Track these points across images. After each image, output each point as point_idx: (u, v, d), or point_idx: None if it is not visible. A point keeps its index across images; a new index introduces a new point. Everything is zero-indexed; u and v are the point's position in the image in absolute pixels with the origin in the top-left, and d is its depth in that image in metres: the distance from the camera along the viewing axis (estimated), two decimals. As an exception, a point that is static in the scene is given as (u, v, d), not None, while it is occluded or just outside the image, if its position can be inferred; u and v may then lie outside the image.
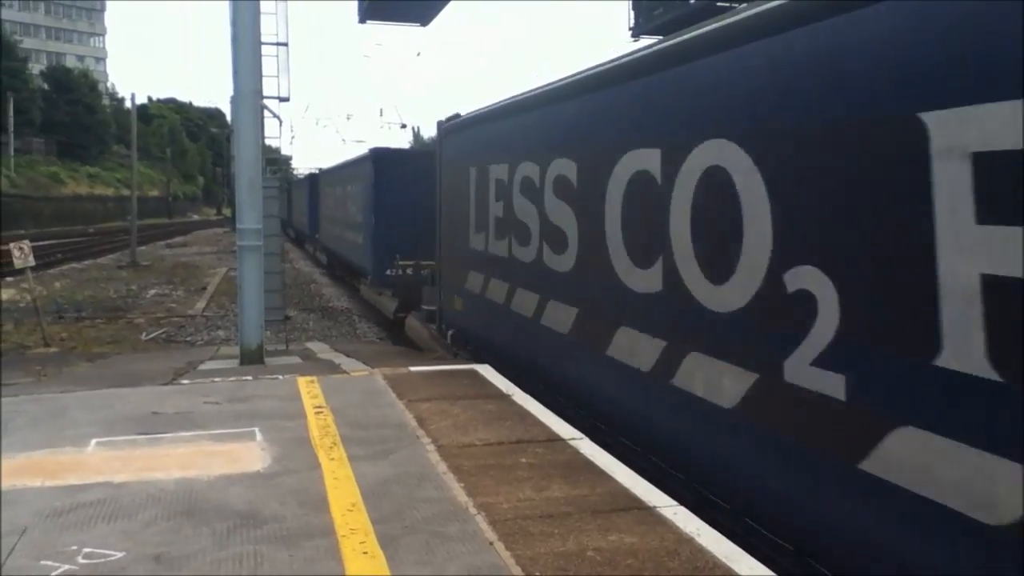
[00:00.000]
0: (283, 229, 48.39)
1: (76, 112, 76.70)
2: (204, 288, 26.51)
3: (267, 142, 13.26)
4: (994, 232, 3.46)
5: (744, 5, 5.37)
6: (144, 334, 17.60)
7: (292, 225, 52.37)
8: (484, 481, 5.53)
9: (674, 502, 5.14)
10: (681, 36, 6.13)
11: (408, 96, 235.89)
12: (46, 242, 38.57)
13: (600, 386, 7.27)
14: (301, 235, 47.08)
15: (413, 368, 9.69)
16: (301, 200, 43.74)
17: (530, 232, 8.92)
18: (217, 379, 9.60)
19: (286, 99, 13.01)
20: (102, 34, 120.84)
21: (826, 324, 4.40)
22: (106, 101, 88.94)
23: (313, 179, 35.97)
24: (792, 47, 4.77)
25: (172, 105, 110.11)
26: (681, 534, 4.63)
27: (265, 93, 12.34)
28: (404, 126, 46.85)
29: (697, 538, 4.57)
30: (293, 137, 67.47)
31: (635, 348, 6.53)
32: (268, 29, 12.37)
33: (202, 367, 11.81)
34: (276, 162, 17.27)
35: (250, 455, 6.20)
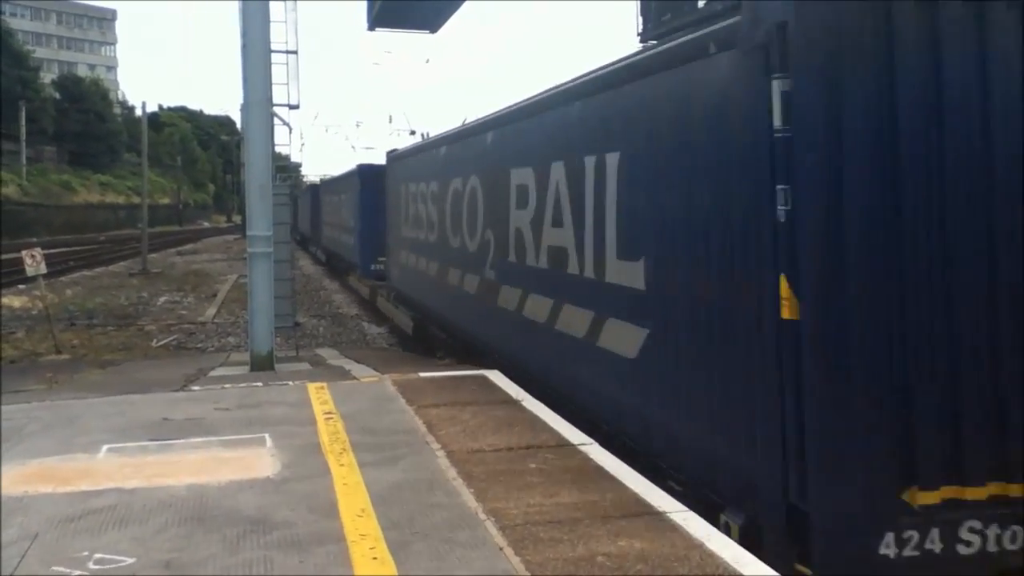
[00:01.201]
0: (306, 248, 44.97)
1: (87, 121, 77.26)
2: (215, 295, 26.63)
3: (277, 149, 13.35)
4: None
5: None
6: (155, 341, 17.69)
7: (321, 243, 40.19)
8: (494, 487, 5.53)
9: (684, 507, 5.13)
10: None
11: (416, 102, 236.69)
12: (58, 250, 38.82)
13: None
14: (337, 260, 33.05)
15: (423, 374, 9.70)
16: (338, 209, 30.92)
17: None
18: (227, 385, 9.63)
19: (296, 107, 13.09)
20: (113, 43, 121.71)
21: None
22: (117, 110, 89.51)
23: (371, 175, 23.16)
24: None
25: (183, 113, 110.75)
26: (691, 539, 4.62)
27: (275, 101, 12.43)
28: (413, 132, 46.86)
29: (707, 543, 4.56)
30: (303, 144, 67.90)
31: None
32: (278, 37, 12.47)
33: (212, 373, 11.87)
34: (286, 169, 16.34)
35: (260, 461, 6.21)
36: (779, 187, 5.03)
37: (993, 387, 4.97)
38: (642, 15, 21.32)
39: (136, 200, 64.37)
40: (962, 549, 4.90)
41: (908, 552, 4.87)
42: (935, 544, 4.89)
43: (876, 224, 4.95)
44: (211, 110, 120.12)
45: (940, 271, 4.97)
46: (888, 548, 4.85)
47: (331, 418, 7.48)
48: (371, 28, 19.55)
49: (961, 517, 4.90)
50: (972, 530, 4.91)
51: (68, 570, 4.33)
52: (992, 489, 4.93)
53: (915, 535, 4.88)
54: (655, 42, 7.80)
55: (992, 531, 4.93)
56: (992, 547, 4.92)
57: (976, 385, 4.96)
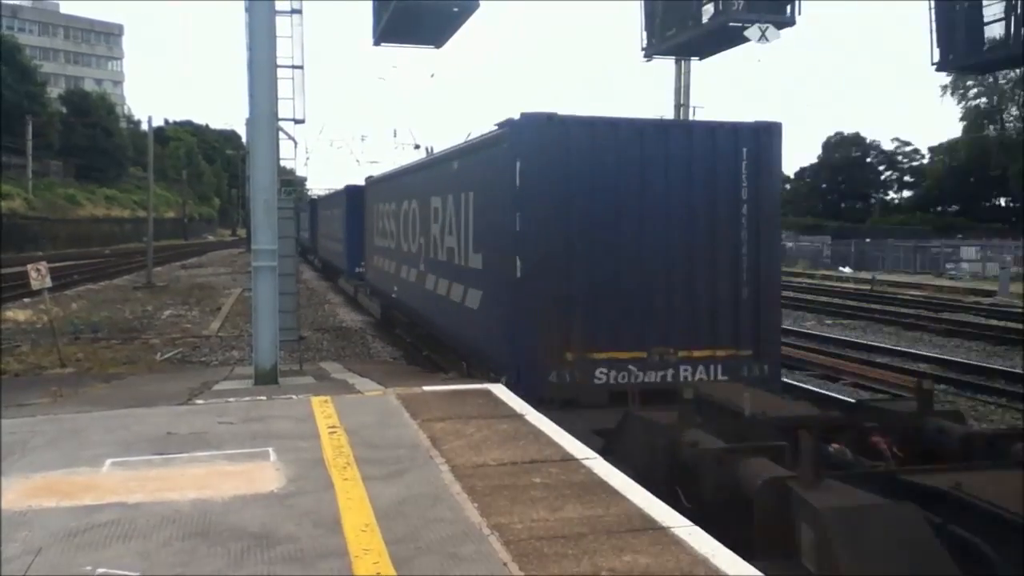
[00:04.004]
0: (305, 257, 46.24)
1: (94, 135, 77.64)
2: (219, 309, 26.65)
3: (282, 163, 13.37)
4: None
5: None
6: (159, 355, 17.70)
7: (318, 253, 44.86)
8: (498, 501, 5.51)
9: (689, 523, 5.10)
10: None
11: (421, 116, 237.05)
12: (63, 263, 38.91)
13: None
14: (329, 266, 39.54)
15: (427, 388, 9.68)
16: (330, 222, 36.27)
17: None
18: (231, 399, 9.62)
19: (301, 121, 13.12)
20: (120, 58, 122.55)
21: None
22: (123, 124, 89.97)
23: (355, 194, 27.87)
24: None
25: (188, 127, 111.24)
26: (696, 555, 4.60)
27: (280, 115, 12.46)
28: (418, 146, 46.76)
29: (712, 559, 4.53)
30: (308, 158, 68.08)
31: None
32: (284, 52, 12.52)
33: (217, 387, 11.86)
34: (291, 183, 16.34)
35: (264, 475, 6.20)
36: (517, 214, 9.93)
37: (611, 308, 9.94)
38: (646, 30, 21.39)
39: (141, 214, 64.67)
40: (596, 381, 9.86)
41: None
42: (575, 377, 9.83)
43: (554, 236, 9.89)
44: (217, 124, 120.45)
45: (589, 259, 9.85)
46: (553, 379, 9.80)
47: (335, 432, 7.47)
48: (376, 43, 19.63)
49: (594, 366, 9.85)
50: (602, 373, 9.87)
51: (71, 585, 4.32)
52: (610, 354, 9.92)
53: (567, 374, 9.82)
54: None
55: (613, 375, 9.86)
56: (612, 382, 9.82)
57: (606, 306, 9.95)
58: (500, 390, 9.33)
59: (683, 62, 27.95)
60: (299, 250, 49.31)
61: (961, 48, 17.49)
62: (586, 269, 9.81)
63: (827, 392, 13.77)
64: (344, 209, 28.78)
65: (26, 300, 25.26)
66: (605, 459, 6.45)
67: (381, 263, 20.47)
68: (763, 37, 16.90)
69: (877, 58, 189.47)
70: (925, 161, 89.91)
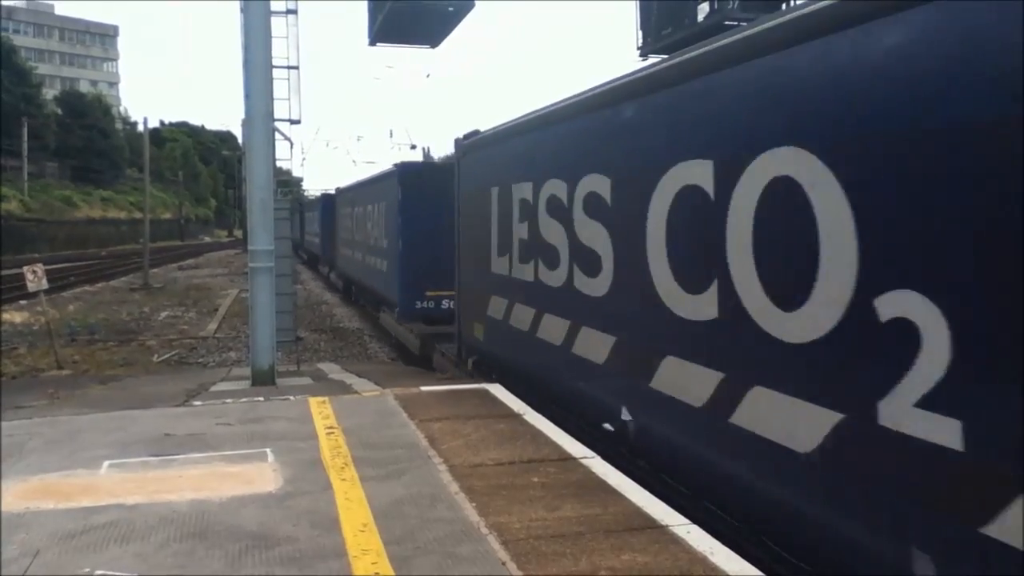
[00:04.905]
0: (315, 268, 42.13)
1: (90, 136, 77.56)
2: (216, 310, 26.65)
3: (278, 164, 13.37)
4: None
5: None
6: (156, 356, 17.70)
7: (337, 266, 30.69)
8: (496, 501, 5.51)
9: (687, 521, 5.11)
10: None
11: (418, 116, 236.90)
12: (59, 265, 38.85)
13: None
14: (361, 290, 25.10)
15: (424, 388, 9.68)
16: (363, 224, 22.70)
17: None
18: (229, 400, 9.61)
19: (297, 122, 13.15)
20: (115, 59, 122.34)
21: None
22: (119, 125, 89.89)
23: (415, 178, 17.15)
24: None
25: (184, 129, 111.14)
26: (695, 553, 4.60)
27: (276, 116, 12.48)
28: (414, 147, 46.89)
29: (711, 557, 4.54)
30: (304, 159, 68.16)
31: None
32: (279, 52, 12.54)
33: (214, 389, 11.87)
34: (287, 184, 16.26)
35: (262, 476, 6.19)
36: None
37: None
38: (642, 29, 21.27)
39: (138, 215, 64.53)
40: None
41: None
42: None
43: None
44: (213, 125, 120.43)
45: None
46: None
47: (333, 432, 7.47)
48: (372, 43, 19.65)
49: None
50: None
51: (69, 587, 4.32)
52: None
53: None
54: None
55: None
56: None
57: None
58: (498, 389, 9.33)
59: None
60: (305, 258, 47.79)
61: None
62: None
63: None
64: (393, 203, 17.46)
65: (23, 302, 25.23)
66: None
67: (526, 317, 9.37)
68: (759, 35, 16.88)
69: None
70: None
